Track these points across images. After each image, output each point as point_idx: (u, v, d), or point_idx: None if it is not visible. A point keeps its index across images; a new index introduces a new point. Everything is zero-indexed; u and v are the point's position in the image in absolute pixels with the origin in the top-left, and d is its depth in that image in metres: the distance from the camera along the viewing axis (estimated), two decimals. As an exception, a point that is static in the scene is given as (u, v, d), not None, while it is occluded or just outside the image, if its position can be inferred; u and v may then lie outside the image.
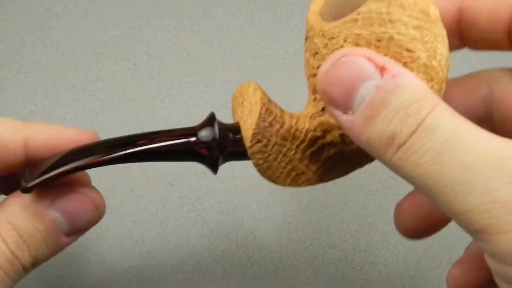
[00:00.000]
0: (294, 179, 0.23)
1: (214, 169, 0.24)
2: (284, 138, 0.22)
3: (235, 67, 0.42)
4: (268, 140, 0.22)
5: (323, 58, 0.21)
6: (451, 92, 0.23)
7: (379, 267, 0.36)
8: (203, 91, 0.41)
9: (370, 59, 0.18)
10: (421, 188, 0.17)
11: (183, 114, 0.40)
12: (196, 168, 0.38)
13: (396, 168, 0.17)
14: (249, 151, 0.22)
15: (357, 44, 0.19)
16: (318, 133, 0.22)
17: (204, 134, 0.23)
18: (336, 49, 0.20)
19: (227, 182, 0.38)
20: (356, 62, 0.18)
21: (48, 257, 0.22)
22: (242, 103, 0.24)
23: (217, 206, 0.37)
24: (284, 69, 0.42)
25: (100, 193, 0.23)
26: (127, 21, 0.44)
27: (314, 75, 0.22)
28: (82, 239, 0.36)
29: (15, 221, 0.20)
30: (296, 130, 0.23)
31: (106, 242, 0.36)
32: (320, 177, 0.24)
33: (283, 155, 0.22)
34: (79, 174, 0.23)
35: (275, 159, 0.22)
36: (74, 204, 0.22)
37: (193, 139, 0.22)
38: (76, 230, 0.22)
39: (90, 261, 0.35)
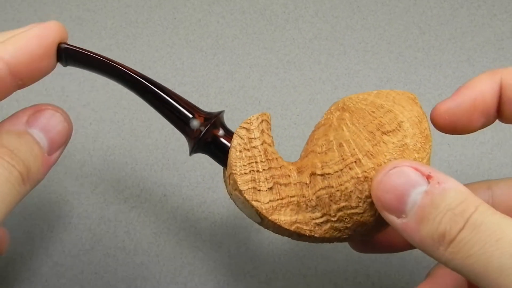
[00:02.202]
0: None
1: (191, 151, 0.26)
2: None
3: (229, 77, 0.42)
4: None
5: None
6: None
7: (372, 278, 0.36)
8: (197, 100, 0.41)
9: (416, 169, 0.21)
10: (472, 277, 0.19)
11: (177, 124, 0.40)
12: (189, 179, 0.38)
13: (448, 261, 0.20)
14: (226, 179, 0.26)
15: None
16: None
17: (196, 124, 0.25)
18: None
19: (220, 193, 0.38)
20: (406, 172, 0.21)
21: (39, 171, 0.23)
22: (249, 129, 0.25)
23: (210, 217, 0.37)
24: (278, 78, 0.42)
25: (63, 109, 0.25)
26: (121, 30, 0.44)
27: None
28: (75, 249, 0.36)
29: (2, 142, 0.22)
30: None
31: (99, 252, 0.36)
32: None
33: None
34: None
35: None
36: (46, 119, 0.24)
37: (189, 116, 0.25)
38: (54, 144, 0.24)
39: (83, 271, 0.35)
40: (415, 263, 0.36)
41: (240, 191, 0.24)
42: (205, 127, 0.25)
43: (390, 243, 0.28)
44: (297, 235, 0.25)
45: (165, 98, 0.25)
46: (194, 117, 0.25)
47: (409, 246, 0.28)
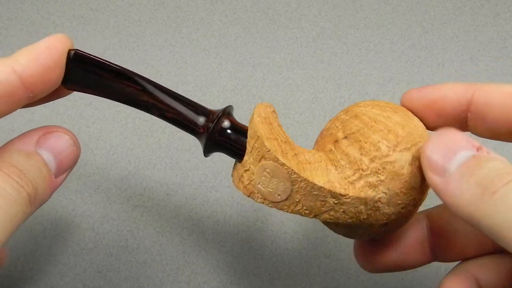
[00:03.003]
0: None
1: (206, 153, 0.26)
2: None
3: (233, 76, 0.42)
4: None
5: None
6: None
7: (375, 277, 0.36)
8: (200, 99, 0.41)
9: (469, 141, 0.21)
10: (506, 233, 0.19)
11: (180, 123, 0.40)
12: (192, 178, 0.38)
13: (485, 216, 0.19)
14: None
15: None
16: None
17: (202, 120, 0.25)
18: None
19: (223, 192, 0.38)
20: (458, 137, 0.22)
21: (45, 193, 0.24)
22: (271, 122, 0.25)
23: (213, 215, 0.37)
24: (281, 77, 0.42)
25: (73, 132, 0.26)
26: (124, 29, 0.44)
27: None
28: (78, 248, 0.36)
29: (12, 161, 0.22)
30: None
31: (102, 251, 0.36)
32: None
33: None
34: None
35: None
36: (56, 141, 0.24)
37: (200, 119, 0.25)
38: (61, 166, 0.24)
39: (86, 270, 0.35)
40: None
41: (269, 152, 0.23)
42: (217, 116, 0.25)
43: (402, 259, 0.28)
44: (331, 197, 0.23)
45: (171, 106, 0.25)
46: (203, 113, 0.25)
47: (419, 261, 0.28)
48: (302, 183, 0.23)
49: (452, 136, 0.22)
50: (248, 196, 0.25)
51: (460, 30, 0.44)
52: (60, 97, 0.27)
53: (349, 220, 0.24)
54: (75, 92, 0.42)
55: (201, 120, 0.25)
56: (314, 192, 0.23)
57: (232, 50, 0.43)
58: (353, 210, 0.23)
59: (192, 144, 0.39)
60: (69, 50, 0.24)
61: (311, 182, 0.23)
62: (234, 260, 0.36)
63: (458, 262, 0.27)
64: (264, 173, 0.23)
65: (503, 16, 0.45)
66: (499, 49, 0.43)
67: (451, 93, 0.25)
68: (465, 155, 0.21)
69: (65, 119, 0.40)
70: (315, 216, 0.24)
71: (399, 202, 0.23)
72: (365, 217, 0.24)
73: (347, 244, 0.36)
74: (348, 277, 0.36)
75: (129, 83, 0.25)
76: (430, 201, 0.26)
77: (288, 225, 0.37)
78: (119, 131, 0.40)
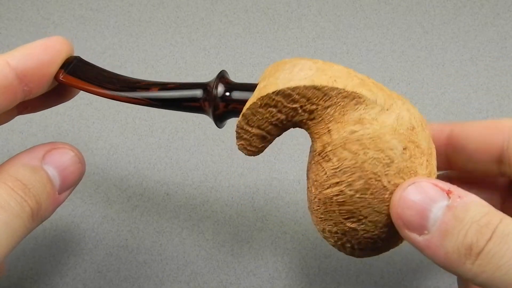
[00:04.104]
0: None
1: (218, 124, 0.25)
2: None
3: (233, 75, 0.42)
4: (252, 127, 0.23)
5: None
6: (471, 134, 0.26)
7: (375, 277, 0.36)
8: (200, 99, 0.41)
9: (435, 185, 0.21)
10: None
11: (180, 122, 0.40)
12: (192, 178, 0.38)
13: (476, 276, 0.19)
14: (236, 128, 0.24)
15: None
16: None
17: (210, 90, 0.24)
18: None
19: (223, 192, 0.38)
20: (425, 188, 0.21)
21: (48, 209, 0.24)
22: (287, 68, 0.23)
23: (213, 215, 0.37)
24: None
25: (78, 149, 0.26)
26: (124, 29, 0.44)
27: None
28: (78, 248, 0.36)
29: (17, 175, 0.22)
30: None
31: (102, 251, 0.36)
32: None
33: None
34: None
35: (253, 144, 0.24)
36: (61, 157, 0.24)
37: (198, 92, 0.24)
38: (66, 183, 0.25)
39: (86, 270, 0.35)
40: (418, 261, 0.36)
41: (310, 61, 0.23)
42: (218, 78, 0.24)
43: None
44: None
45: (169, 95, 0.24)
46: (203, 89, 0.24)
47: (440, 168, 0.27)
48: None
49: (419, 187, 0.21)
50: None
51: (460, 30, 0.44)
52: (63, 102, 0.27)
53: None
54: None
55: (199, 92, 0.24)
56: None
57: (232, 50, 0.43)
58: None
59: (192, 144, 0.39)
60: (69, 57, 0.24)
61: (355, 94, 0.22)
62: (234, 260, 0.36)
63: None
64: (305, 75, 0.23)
65: (503, 16, 0.45)
66: (499, 49, 0.43)
67: (433, 128, 0.25)
68: (439, 209, 0.20)
69: (65, 119, 0.40)
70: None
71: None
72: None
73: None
74: (348, 277, 0.36)
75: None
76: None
77: (288, 225, 0.37)
78: (119, 131, 0.40)
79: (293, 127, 0.24)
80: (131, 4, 0.45)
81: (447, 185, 0.21)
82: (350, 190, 0.22)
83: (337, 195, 0.23)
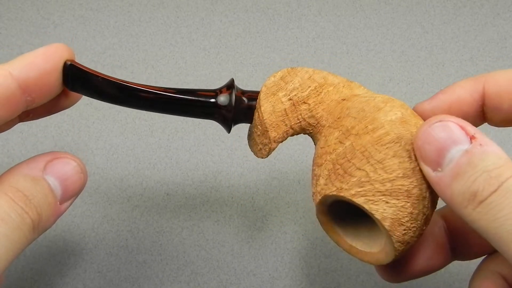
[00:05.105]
0: None
1: (228, 129, 0.27)
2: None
3: (233, 75, 0.42)
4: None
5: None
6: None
7: (375, 277, 0.36)
8: (200, 99, 0.41)
9: (462, 128, 0.21)
10: (494, 240, 0.20)
11: (180, 122, 0.40)
12: (192, 178, 0.38)
13: (473, 221, 0.20)
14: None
15: None
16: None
17: (223, 99, 0.25)
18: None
19: (223, 192, 0.38)
20: (450, 127, 0.21)
21: (49, 220, 0.23)
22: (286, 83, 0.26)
23: (213, 215, 0.37)
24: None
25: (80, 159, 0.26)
26: (124, 29, 0.44)
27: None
28: (78, 248, 0.36)
29: (18, 185, 0.22)
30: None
31: (102, 251, 0.36)
32: None
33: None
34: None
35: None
36: (63, 167, 0.24)
37: (212, 101, 0.25)
38: (67, 193, 0.24)
39: (86, 270, 0.35)
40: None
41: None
42: (232, 92, 0.25)
43: (428, 264, 0.27)
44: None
45: (182, 99, 0.25)
46: (217, 95, 0.25)
47: (443, 262, 0.28)
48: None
49: (444, 125, 0.21)
50: None
51: (460, 30, 0.44)
52: (66, 108, 0.27)
53: None
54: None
55: (222, 99, 0.25)
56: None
57: (232, 50, 0.43)
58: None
59: (192, 144, 0.39)
60: (65, 62, 0.24)
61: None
62: (234, 260, 0.36)
63: (479, 259, 0.27)
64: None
65: (503, 16, 0.45)
66: (499, 49, 0.43)
67: (463, 93, 0.25)
68: (458, 151, 0.21)
69: (65, 119, 0.40)
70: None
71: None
72: None
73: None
74: (348, 277, 0.36)
75: (130, 105, 0.26)
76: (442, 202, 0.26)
77: (288, 225, 0.37)
78: (119, 131, 0.40)
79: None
80: (131, 4, 0.45)
81: (473, 130, 0.21)
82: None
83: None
